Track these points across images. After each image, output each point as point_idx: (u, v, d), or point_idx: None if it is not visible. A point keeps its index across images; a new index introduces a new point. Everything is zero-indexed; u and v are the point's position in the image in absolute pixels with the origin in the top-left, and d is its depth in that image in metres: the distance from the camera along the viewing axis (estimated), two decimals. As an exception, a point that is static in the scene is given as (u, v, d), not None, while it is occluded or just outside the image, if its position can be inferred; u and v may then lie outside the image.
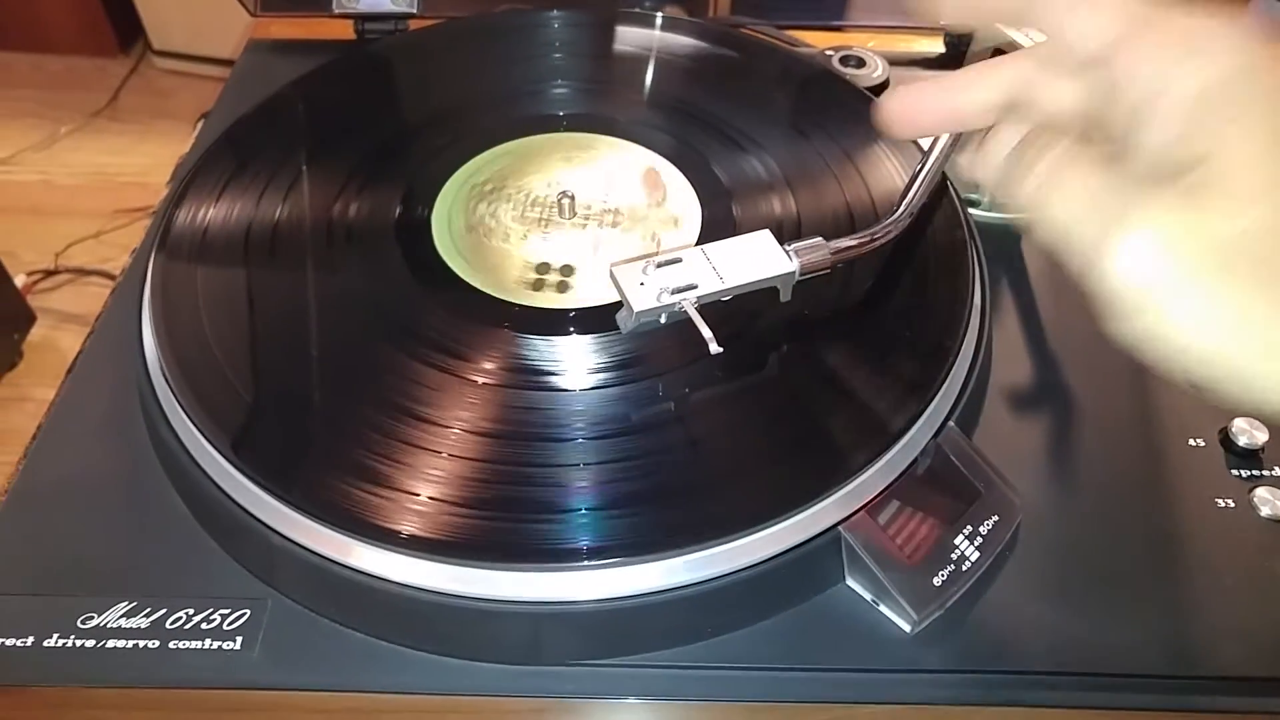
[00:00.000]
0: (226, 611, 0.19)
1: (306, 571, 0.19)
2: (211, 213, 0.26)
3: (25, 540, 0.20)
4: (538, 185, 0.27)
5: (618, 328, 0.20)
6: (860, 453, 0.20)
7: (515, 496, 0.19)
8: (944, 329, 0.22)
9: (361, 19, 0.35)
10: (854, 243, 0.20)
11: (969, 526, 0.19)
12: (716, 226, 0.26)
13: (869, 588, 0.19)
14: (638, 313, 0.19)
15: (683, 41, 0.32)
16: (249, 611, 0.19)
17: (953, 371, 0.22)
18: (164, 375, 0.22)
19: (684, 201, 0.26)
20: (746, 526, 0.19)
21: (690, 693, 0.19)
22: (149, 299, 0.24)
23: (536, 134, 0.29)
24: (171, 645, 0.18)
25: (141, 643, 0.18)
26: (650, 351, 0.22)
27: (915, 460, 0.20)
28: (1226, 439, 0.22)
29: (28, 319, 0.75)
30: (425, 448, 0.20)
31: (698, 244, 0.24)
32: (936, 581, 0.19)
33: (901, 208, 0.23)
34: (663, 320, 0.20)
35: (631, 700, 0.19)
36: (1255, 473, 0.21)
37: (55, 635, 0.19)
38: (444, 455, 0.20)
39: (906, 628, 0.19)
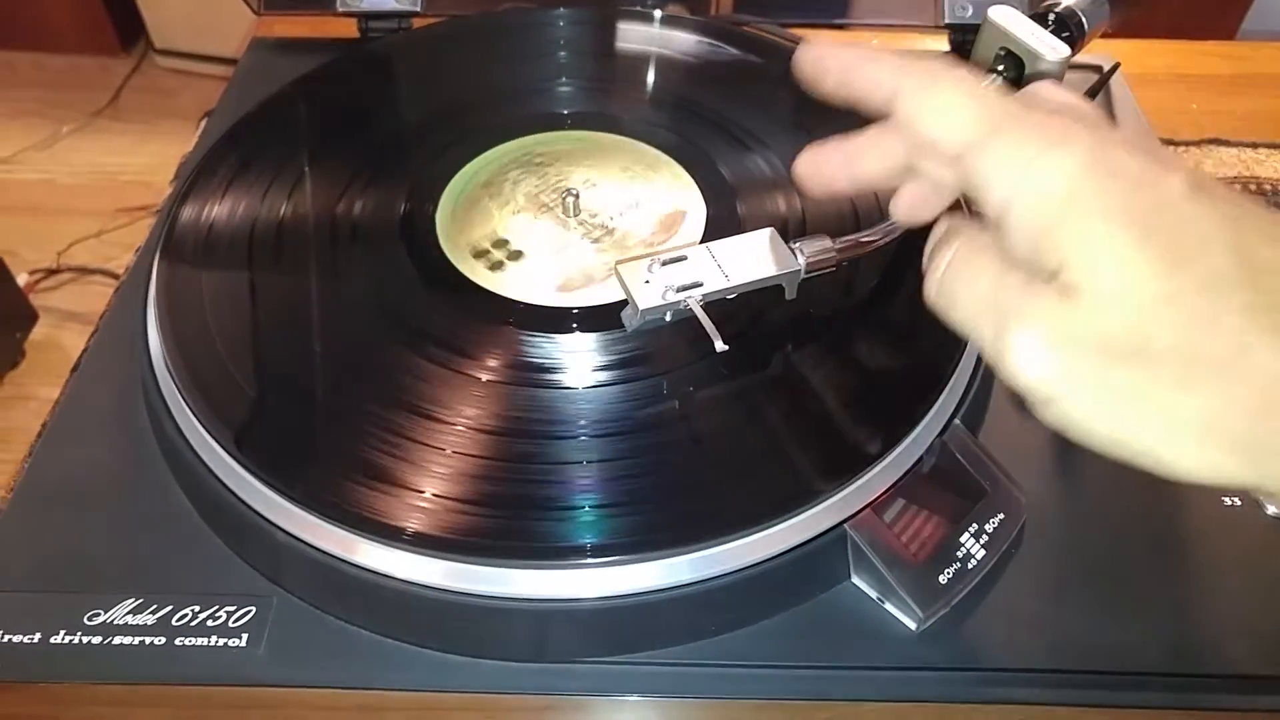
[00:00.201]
0: (232, 609, 0.19)
1: (311, 569, 0.19)
2: (215, 211, 0.26)
3: (31, 537, 0.21)
4: (577, 178, 0.27)
5: (623, 326, 0.20)
6: (865, 451, 0.20)
7: (520, 494, 0.19)
8: (949, 328, 0.22)
9: (365, 17, 0.35)
10: (859, 241, 0.20)
11: (974, 525, 0.19)
12: (721, 224, 0.26)
13: (874, 586, 0.19)
14: (643, 311, 0.19)
15: (687, 39, 0.32)
16: (254, 609, 0.19)
17: (958, 370, 0.22)
18: (169, 372, 0.22)
19: (690, 236, 0.25)
20: (752, 524, 0.19)
21: (695, 690, 0.19)
22: (153, 297, 0.24)
23: (542, 132, 0.29)
24: (177, 642, 0.19)
25: (147, 639, 0.19)
26: (654, 350, 0.22)
27: (921, 458, 0.20)
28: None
29: (30, 318, 0.76)
30: (429, 444, 0.20)
31: (702, 242, 0.24)
32: (942, 579, 0.19)
33: None
34: (668, 318, 0.19)
35: (637, 698, 0.19)
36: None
37: (61, 632, 0.19)
38: (448, 452, 0.20)
39: (912, 625, 0.19)
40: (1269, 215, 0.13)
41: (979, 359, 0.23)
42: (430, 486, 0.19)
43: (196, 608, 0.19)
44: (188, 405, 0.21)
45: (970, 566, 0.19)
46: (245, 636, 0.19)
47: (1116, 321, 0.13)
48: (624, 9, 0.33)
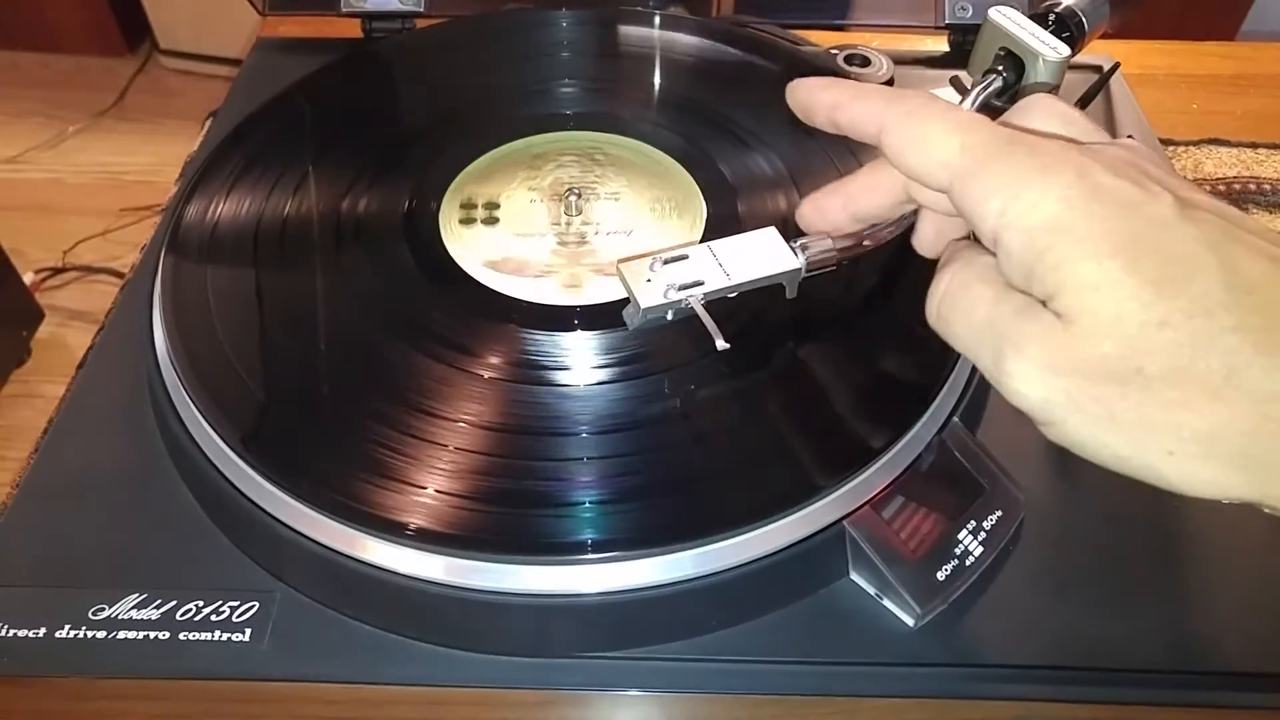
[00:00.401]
0: (236, 604, 0.19)
1: (315, 564, 0.19)
2: (221, 209, 0.26)
3: (37, 533, 0.21)
4: (610, 188, 0.26)
5: (624, 324, 0.20)
6: (864, 448, 0.20)
7: (522, 490, 0.19)
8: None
9: (369, 18, 0.35)
10: (861, 240, 0.20)
11: (973, 522, 0.20)
12: (722, 223, 0.26)
13: (873, 582, 0.19)
14: (644, 309, 0.19)
15: (688, 40, 0.32)
16: (258, 604, 0.19)
17: (957, 367, 0.22)
18: (174, 369, 0.22)
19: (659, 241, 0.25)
20: (751, 521, 0.19)
21: (694, 685, 0.19)
22: (159, 294, 0.24)
23: (546, 132, 0.29)
24: (182, 636, 0.19)
25: (152, 634, 0.19)
26: (655, 348, 0.22)
27: (919, 456, 0.20)
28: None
29: (36, 316, 0.76)
30: (432, 441, 0.20)
31: (703, 240, 0.25)
32: (940, 576, 0.19)
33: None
34: (669, 317, 0.20)
35: (636, 693, 0.19)
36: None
37: (67, 626, 0.19)
38: (451, 449, 0.20)
39: (910, 622, 0.19)
40: (1258, 229, 0.13)
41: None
42: (432, 482, 0.19)
43: (200, 603, 0.19)
44: (193, 402, 0.21)
45: (968, 563, 0.19)
46: (249, 631, 0.19)
47: (1110, 347, 0.13)
48: (626, 10, 0.34)
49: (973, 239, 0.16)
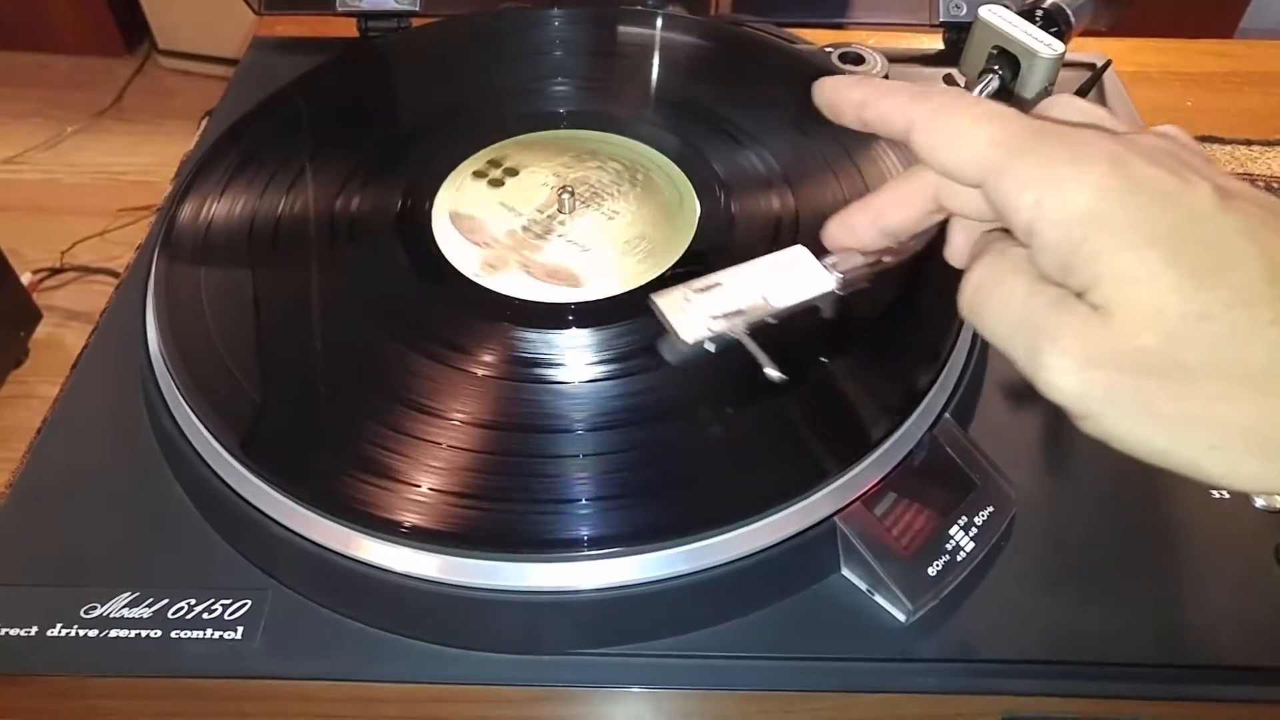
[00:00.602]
0: (228, 602, 0.19)
1: (308, 563, 0.19)
2: (215, 208, 0.26)
3: (29, 532, 0.21)
4: (615, 205, 0.25)
5: (663, 357, 0.19)
6: (856, 444, 0.20)
7: (512, 488, 0.19)
8: (940, 322, 0.22)
9: (365, 17, 0.35)
10: (889, 257, 0.19)
11: (964, 517, 0.20)
12: (714, 222, 0.26)
13: (864, 578, 0.19)
14: (689, 344, 0.18)
15: (682, 39, 0.33)
16: (250, 602, 0.19)
17: (949, 364, 0.22)
18: (167, 368, 0.22)
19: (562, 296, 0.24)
20: (743, 517, 0.19)
21: (687, 682, 0.19)
22: (152, 293, 0.24)
23: (538, 130, 0.29)
24: (174, 635, 0.19)
25: (144, 632, 0.19)
26: (647, 347, 0.22)
27: (911, 452, 0.20)
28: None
29: (34, 317, 0.76)
30: (426, 439, 0.20)
31: (691, 243, 0.24)
32: (931, 572, 0.19)
33: None
34: (712, 349, 0.19)
35: (628, 689, 0.19)
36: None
37: (59, 625, 0.19)
38: (444, 447, 0.20)
39: (901, 617, 0.19)
40: None
41: (969, 354, 0.23)
42: (424, 480, 0.19)
43: (193, 601, 0.19)
44: (185, 401, 0.21)
45: (959, 559, 0.19)
46: (241, 629, 0.19)
47: (1150, 339, 0.13)
48: (621, 9, 0.34)
49: (1004, 232, 0.15)
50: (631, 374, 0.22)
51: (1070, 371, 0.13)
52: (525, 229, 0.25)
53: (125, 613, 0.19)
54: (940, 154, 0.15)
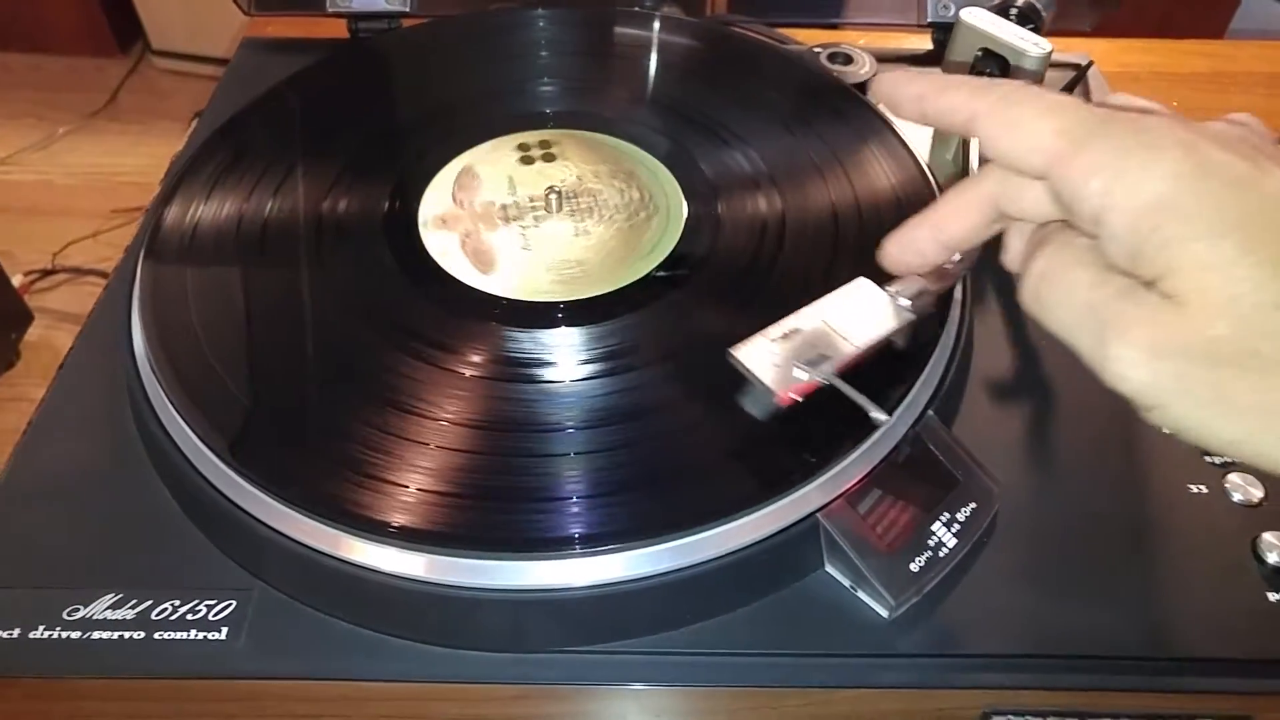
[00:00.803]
0: (212, 602, 0.19)
1: (294, 563, 0.19)
2: (201, 210, 0.26)
3: (12, 533, 0.21)
4: (592, 223, 0.25)
5: (749, 412, 0.18)
6: (839, 442, 0.20)
7: (495, 486, 0.20)
8: (924, 320, 0.22)
9: (355, 18, 0.35)
10: (944, 271, 0.19)
11: (946, 514, 0.20)
12: (702, 223, 0.26)
13: (847, 574, 0.19)
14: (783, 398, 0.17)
15: (670, 40, 0.33)
16: (234, 602, 0.19)
17: (932, 362, 0.22)
18: (152, 369, 0.22)
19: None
20: (726, 514, 0.19)
21: (671, 678, 0.19)
22: (138, 294, 0.24)
23: (524, 131, 0.29)
24: (157, 636, 0.19)
25: (127, 634, 0.19)
26: (630, 346, 0.22)
27: (894, 449, 0.20)
28: (1202, 427, 0.22)
29: (25, 319, 0.76)
30: (412, 439, 0.20)
31: (680, 244, 0.24)
32: (914, 568, 0.19)
33: None
34: (800, 400, 0.18)
35: (613, 686, 0.19)
36: (1228, 459, 0.22)
37: (41, 627, 0.19)
38: (429, 446, 0.20)
39: (884, 613, 0.19)
40: None
41: (952, 351, 0.23)
42: (409, 480, 0.20)
43: (177, 602, 0.19)
44: (170, 401, 0.21)
45: (942, 555, 0.19)
46: (225, 630, 0.19)
47: (1224, 329, 0.12)
48: (609, 10, 0.34)
49: (1065, 224, 0.15)
50: (616, 373, 0.22)
51: (1139, 362, 0.13)
52: (503, 207, 0.26)
53: (108, 614, 0.19)
54: (1005, 145, 0.15)
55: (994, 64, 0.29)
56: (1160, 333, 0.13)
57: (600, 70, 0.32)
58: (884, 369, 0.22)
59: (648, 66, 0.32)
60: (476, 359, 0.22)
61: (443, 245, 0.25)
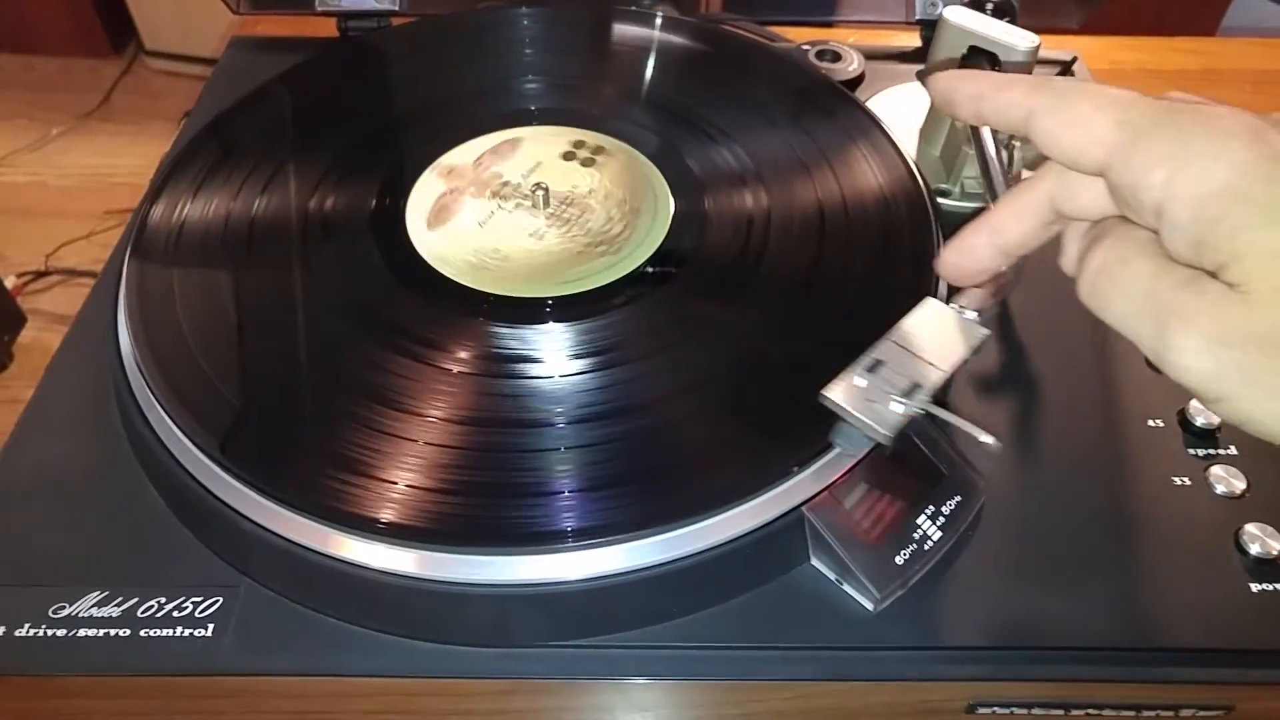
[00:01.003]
0: (199, 599, 0.19)
1: (282, 560, 0.19)
2: (188, 208, 0.26)
3: None
4: (536, 230, 0.25)
5: (842, 448, 0.18)
6: (824, 435, 0.20)
7: (482, 482, 0.20)
8: (909, 313, 0.22)
9: (344, 17, 0.35)
10: (999, 281, 0.18)
11: (931, 507, 0.20)
12: (689, 220, 0.26)
13: (832, 567, 0.19)
14: (887, 435, 0.17)
15: (657, 37, 0.33)
16: (221, 599, 0.19)
17: (917, 356, 0.22)
18: (137, 365, 0.22)
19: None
20: (711, 508, 0.19)
21: (658, 672, 0.19)
22: (124, 293, 0.24)
23: (512, 128, 0.29)
24: (143, 634, 0.19)
25: (113, 631, 0.19)
26: (616, 342, 0.22)
27: (879, 442, 0.20)
28: (1184, 419, 0.22)
29: (18, 320, 0.75)
30: (399, 436, 0.20)
31: (667, 239, 0.24)
32: (899, 560, 0.19)
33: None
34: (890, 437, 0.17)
35: (600, 680, 0.19)
36: (1211, 452, 0.22)
37: (26, 625, 0.19)
38: (416, 442, 0.20)
39: (869, 606, 0.19)
40: None
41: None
42: (396, 475, 0.20)
43: (163, 599, 0.19)
44: (156, 399, 0.21)
45: (927, 548, 0.19)
46: (211, 627, 0.19)
47: None
48: (597, 7, 0.34)
49: (1122, 219, 0.15)
50: (604, 368, 0.22)
51: (1202, 351, 0.13)
52: (504, 184, 0.26)
53: (94, 612, 0.19)
54: (1064, 140, 0.15)
55: (986, 60, 0.29)
56: (1225, 322, 0.13)
57: (587, 68, 0.32)
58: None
59: (635, 64, 0.32)
60: (464, 355, 0.22)
61: (425, 191, 0.26)
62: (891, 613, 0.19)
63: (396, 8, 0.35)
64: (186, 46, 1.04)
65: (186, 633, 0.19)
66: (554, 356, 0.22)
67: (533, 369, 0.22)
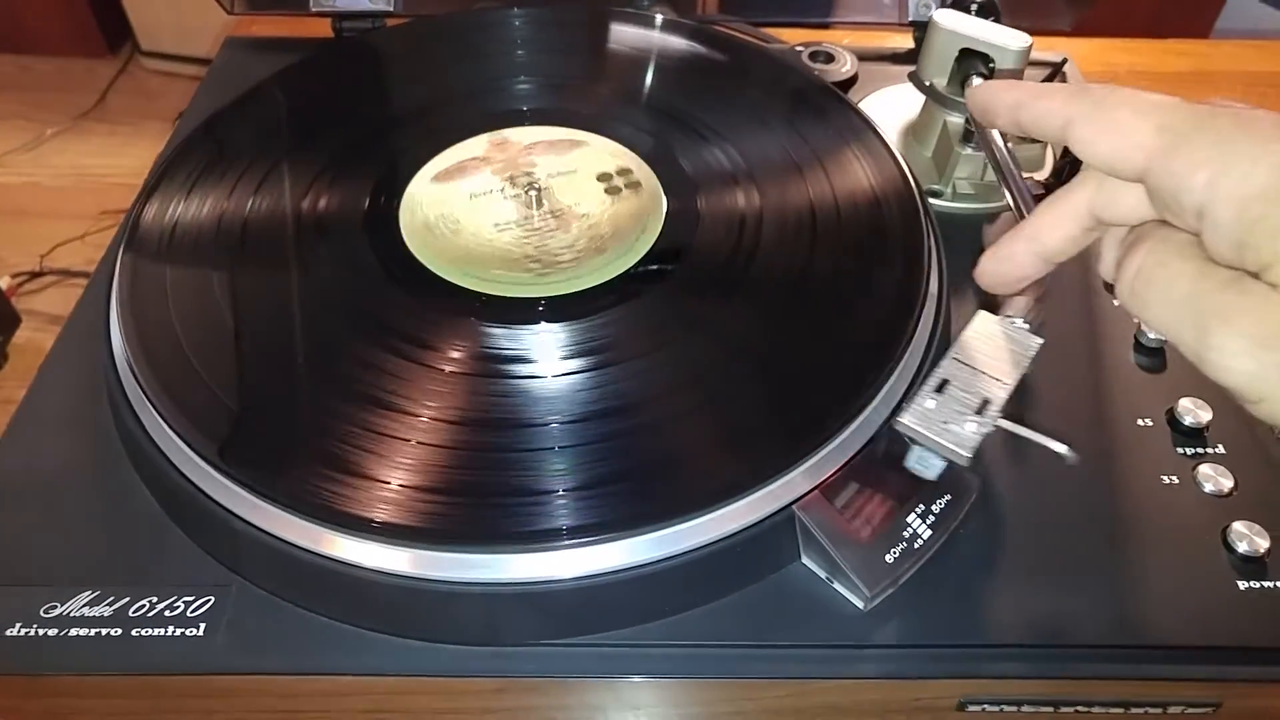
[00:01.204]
0: (191, 598, 0.19)
1: (274, 559, 0.19)
2: (181, 208, 0.26)
3: (-9, 531, 0.21)
4: (500, 223, 0.26)
5: (919, 476, 0.18)
6: (814, 434, 0.20)
7: (473, 482, 0.20)
8: (899, 313, 0.23)
9: (339, 17, 0.36)
10: (1040, 291, 0.18)
11: (921, 505, 0.20)
12: (682, 219, 0.26)
13: (823, 565, 0.20)
14: (966, 455, 0.17)
15: (650, 37, 0.33)
16: (213, 598, 0.19)
17: (907, 355, 0.22)
18: (129, 365, 0.22)
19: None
20: (702, 506, 0.19)
21: (648, 670, 0.19)
22: (116, 293, 0.24)
23: (504, 128, 0.29)
24: (135, 633, 0.19)
25: (104, 631, 0.19)
26: (607, 342, 0.22)
27: (869, 441, 0.21)
28: (1173, 419, 0.23)
29: (13, 321, 0.75)
30: (392, 435, 0.20)
31: (659, 239, 0.24)
32: (889, 559, 0.19)
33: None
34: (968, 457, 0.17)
35: (591, 679, 0.19)
36: (1199, 450, 0.22)
37: (18, 625, 0.19)
38: (409, 442, 0.20)
39: (860, 604, 0.19)
40: None
41: (928, 342, 0.23)
42: (388, 475, 0.20)
43: (154, 598, 0.19)
44: (148, 398, 0.21)
45: (917, 546, 0.19)
46: (203, 626, 0.19)
47: None
48: (589, 8, 0.34)
49: (1162, 222, 0.15)
50: (596, 368, 0.22)
51: (1244, 353, 0.13)
52: (527, 174, 0.27)
53: (85, 611, 0.19)
54: (1104, 147, 0.15)
55: (979, 62, 0.30)
56: (1267, 323, 0.13)
57: (581, 68, 0.32)
58: (859, 362, 0.22)
59: (630, 64, 0.32)
60: (456, 355, 0.22)
61: (464, 149, 0.27)
62: (882, 611, 0.19)
63: (391, 8, 0.35)
64: (182, 47, 1.04)
65: (178, 632, 0.19)
66: (546, 356, 0.22)
67: (525, 368, 0.22)
